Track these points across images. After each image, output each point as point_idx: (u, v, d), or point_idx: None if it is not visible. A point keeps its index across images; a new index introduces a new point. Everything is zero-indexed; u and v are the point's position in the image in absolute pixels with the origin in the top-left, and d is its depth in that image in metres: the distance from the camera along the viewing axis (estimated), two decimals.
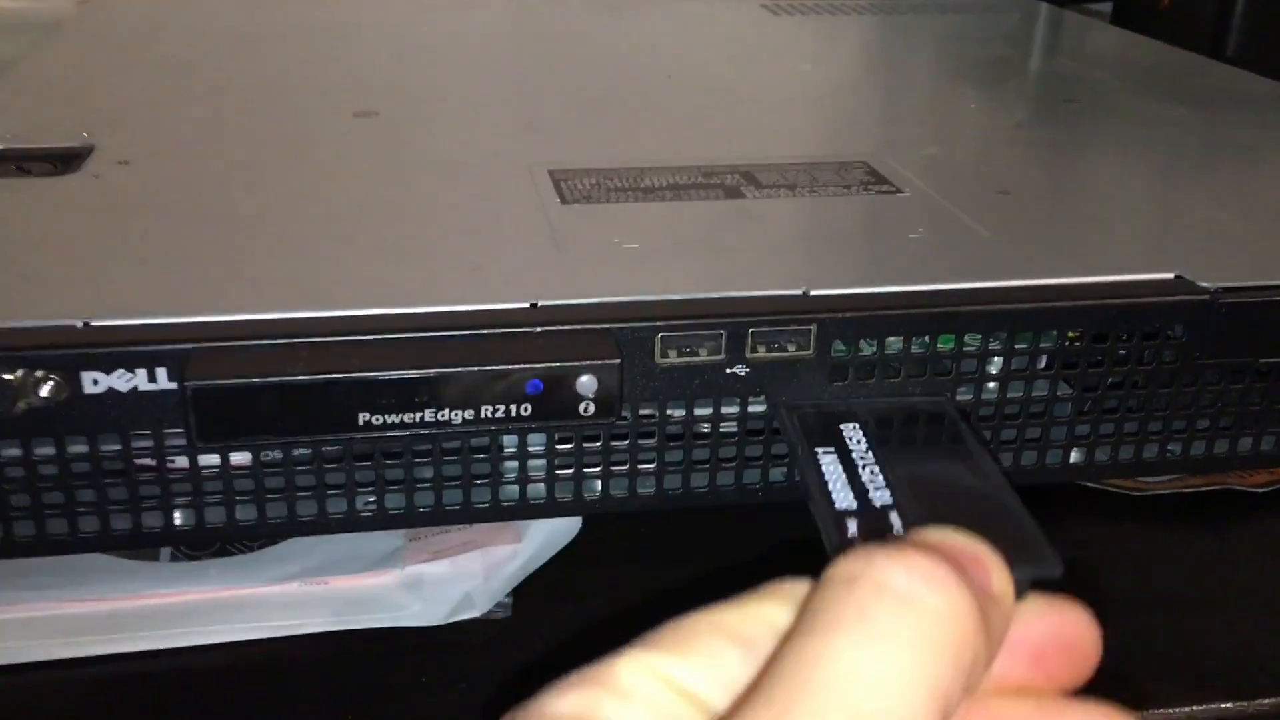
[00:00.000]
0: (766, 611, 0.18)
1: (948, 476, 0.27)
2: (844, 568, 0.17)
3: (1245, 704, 0.33)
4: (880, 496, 0.26)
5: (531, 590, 0.35)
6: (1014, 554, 0.22)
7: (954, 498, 0.26)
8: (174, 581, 0.34)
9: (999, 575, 0.18)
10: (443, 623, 0.34)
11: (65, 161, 0.38)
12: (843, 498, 0.26)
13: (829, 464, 0.27)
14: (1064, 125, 0.47)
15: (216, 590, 0.34)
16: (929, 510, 0.25)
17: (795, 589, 0.18)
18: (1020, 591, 0.22)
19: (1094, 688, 0.32)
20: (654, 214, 0.35)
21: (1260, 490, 0.42)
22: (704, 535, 0.38)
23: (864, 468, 0.27)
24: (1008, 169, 0.41)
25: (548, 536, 0.36)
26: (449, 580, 0.35)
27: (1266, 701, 0.32)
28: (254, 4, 0.64)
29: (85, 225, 0.33)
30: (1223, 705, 0.33)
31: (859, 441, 0.28)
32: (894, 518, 0.25)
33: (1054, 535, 0.40)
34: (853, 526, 0.25)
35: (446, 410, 0.27)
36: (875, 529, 0.24)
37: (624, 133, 0.44)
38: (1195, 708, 0.32)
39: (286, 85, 0.49)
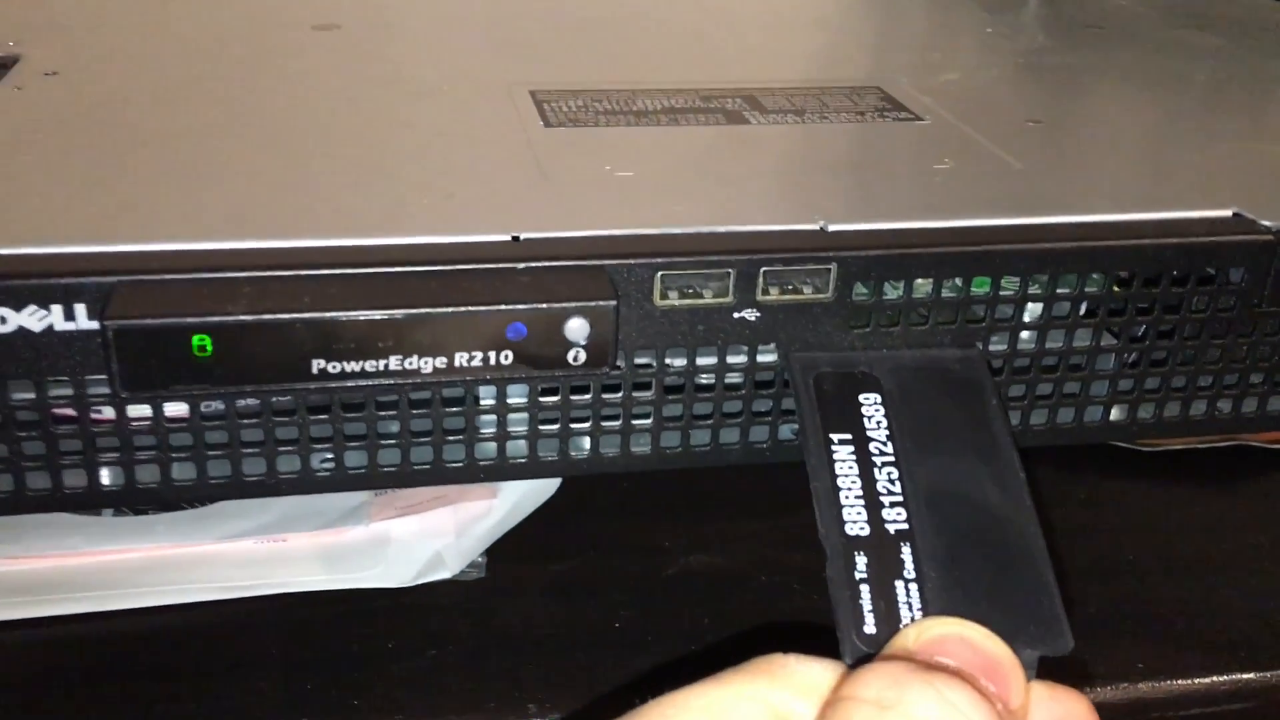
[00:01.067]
0: (753, 693, 0.19)
1: (971, 492, 0.24)
2: (874, 689, 0.18)
3: (1267, 674, 0.31)
4: (895, 518, 0.23)
5: (506, 549, 0.33)
6: (1028, 628, 0.21)
7: (974, 534, 0.23)
8: (117, 538, 0.32)
9: (1017, 689, 0.19)
10: (411, 584, 0.32)
11: None
12: (854, 518, 0.23)
13: (843, 460, 0.24)
14: (1092, 52, 0.44)
15: (164, 547, 0.32)
16: (945, 546, 0.23)
17: (798, 674, 0.19)
18: (1029, 666, 0.21)
19: (1107, 660, 0.30)
20: (649, 140, 0.32)
21: (1276, 447, 0.40)
22: (688, 489, 0.35)
23: (881, 468, 0.24)
24: (1036, 97, 0.38)
25: (524, 492, 0.34)
26: (418, 538, 0.33)
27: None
28: None
29: (2, 143, 0.29)
30: (1243, 675, 0.31)
31: (878, 424, 0.25)
32: (905, 553, 0.22)
33: (1062, 492, 0.38)
34: (861, 563, 0.22)
35: (415, 357, 0.23)
36: (885, 568, 0.22)
37: (613, 52, 0.41)
38: (1216, 678, 0.31)
39: None
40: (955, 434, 0.25)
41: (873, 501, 0.23)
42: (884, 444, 0.24)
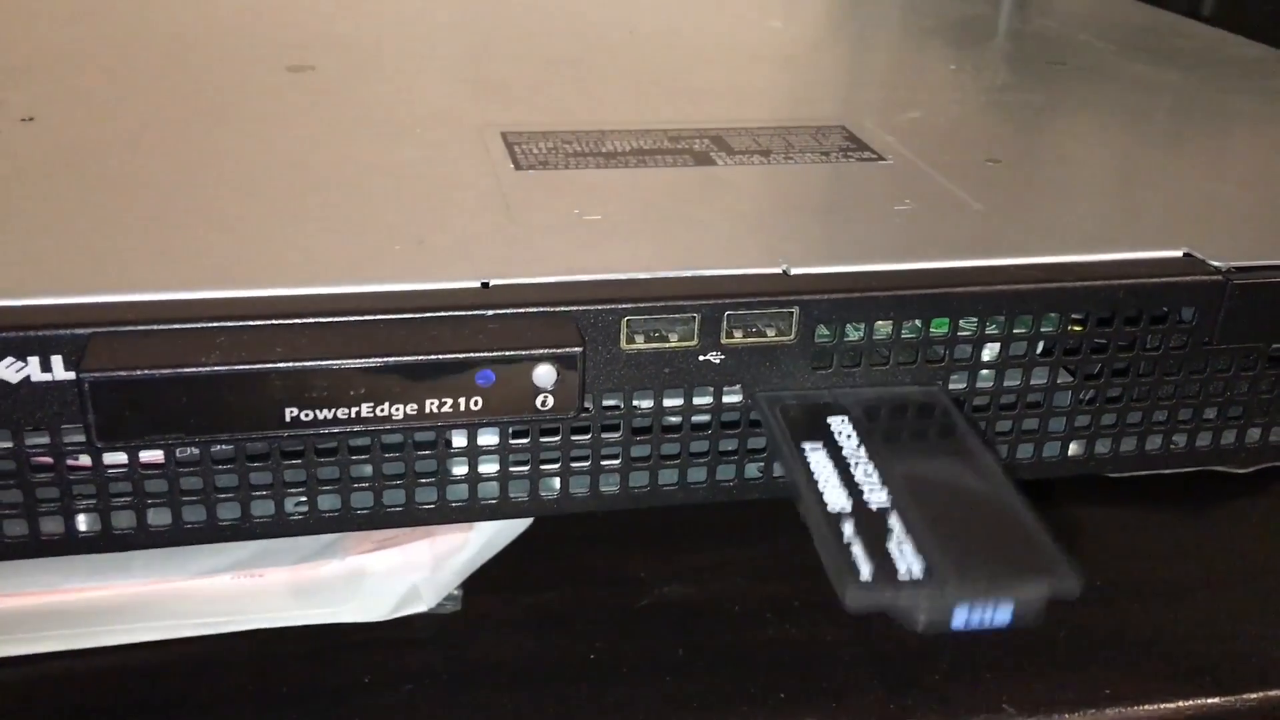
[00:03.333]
0: None
1: (948, 476, 0.24)
2: None
3: (1233, 698, 0.31)
4: (876, 498, 0.23)
5: (483, 582, 0.33)
6: (1029, 569, 0.20)
7: (957, 501, 0.23)
8: (93, 575, 0.31)
9: None
10: (387, 618, 0.32)
11: None
12: (835, 499, 0.23)
13: (818, 461, 0.24)
14: (1053, 89, 0.44)
15: (139, 584, 0.32)
16: (931, 514, 0.23)
17: None
18: (1036, 610, 0.20)
19: (1074, 686, 0.30)
20: (617, 182, 0.32)
21: (1242, 471, 0.40)
22: (663, 519, 0.36)
23: (856, 465, 0.24)
24: (996, 135, 0.39)
25: (500, 525, 0.34)
26: (393, 572, 0.33)
27: (1253, 696, 0.31)
28: None
29: None
30: (1209, 700, 0.31)
31: (849, 436, 0.25)
32: (893, 520, 0.22)
33: None
34: (848, 529, 0.22)
35: (386, 405, 0.24)
36: (874, 532, 0.22)
37: (583, 91, 0.41)
38: (1181, 703, 0.31)
39: (214, 33, 0.45)
40: (925, 439, 0.26)
41: (852, 487, 0.23)
42: (856, 449, 0.25)
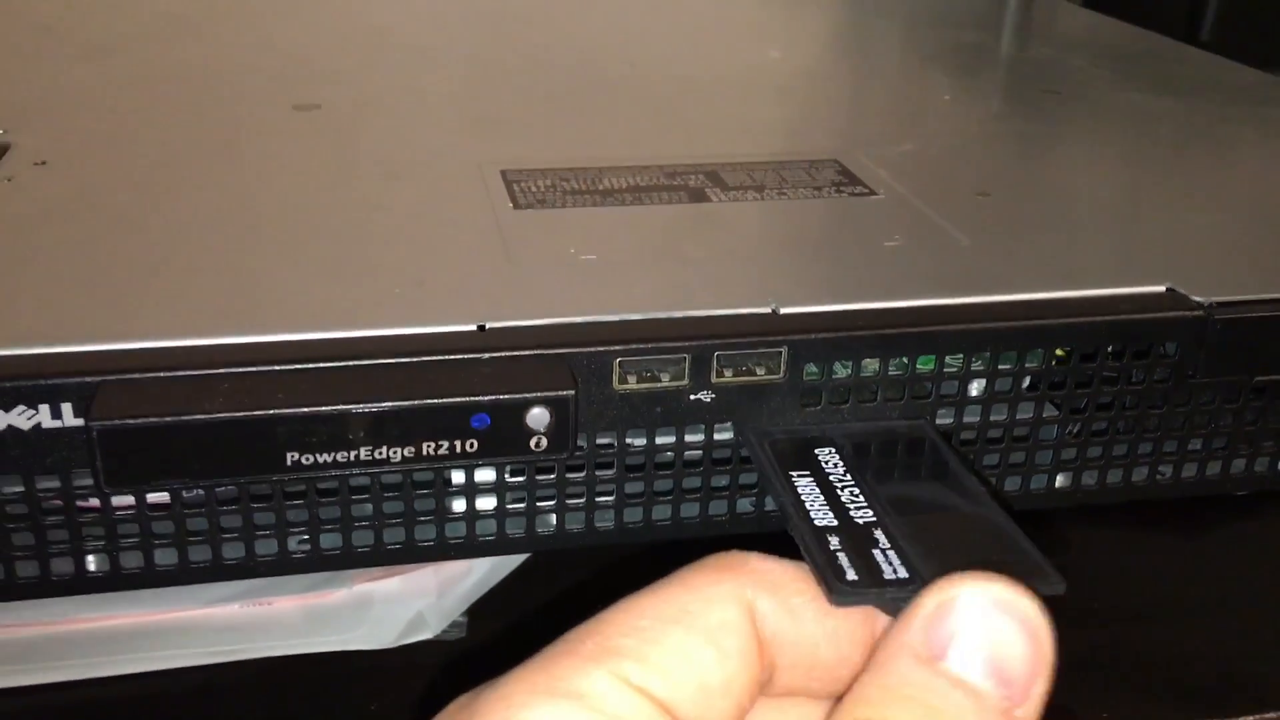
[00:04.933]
0: (724, 594, 0.18)
1: (933, 497, 0.25)
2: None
3: None
4: (863, 515, 0.24)
5: (488, 608, 0.33)
6: (1012, 570, 0.21)
7: (943, 517, 0.24)
8: (103, 605, 0.32)
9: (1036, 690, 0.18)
10: (394, 645, 0.32)
11: None
12: (823, 516, 0.24)
13: (805, 486, 0.25)
14: (1045, 118, 0.45)
15: (150, 614, 0.32)
16: (916, 527, 0.23)
17: (761, 571, 0.18)
18: None
19: (1073, 711, 0.31)
20: (613, 220, 0.33)
21: (1238, 492, 0.41)
22: (669, 547, 0.36)
23: (843, 489, 0.25)
24: (987, 167, 0.39)
25: None
26: (400, 599, 0.33)
27: (1250, 719, 0.31)
28: None
29: None
30: None
31: (836, 465, 0.26)
32: (879, 533, 0.23)
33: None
34: (835, 541, 0.22)
35: (384, 448, 0.25)
36: (860, 542, 0.22)
37: (582, 127, 0.42)
38: None
39: (222, 72, 0.46)
40: (911, 465, 0.26)
41: (839, 507, 0.24)
42: (843, 475, 0.25)
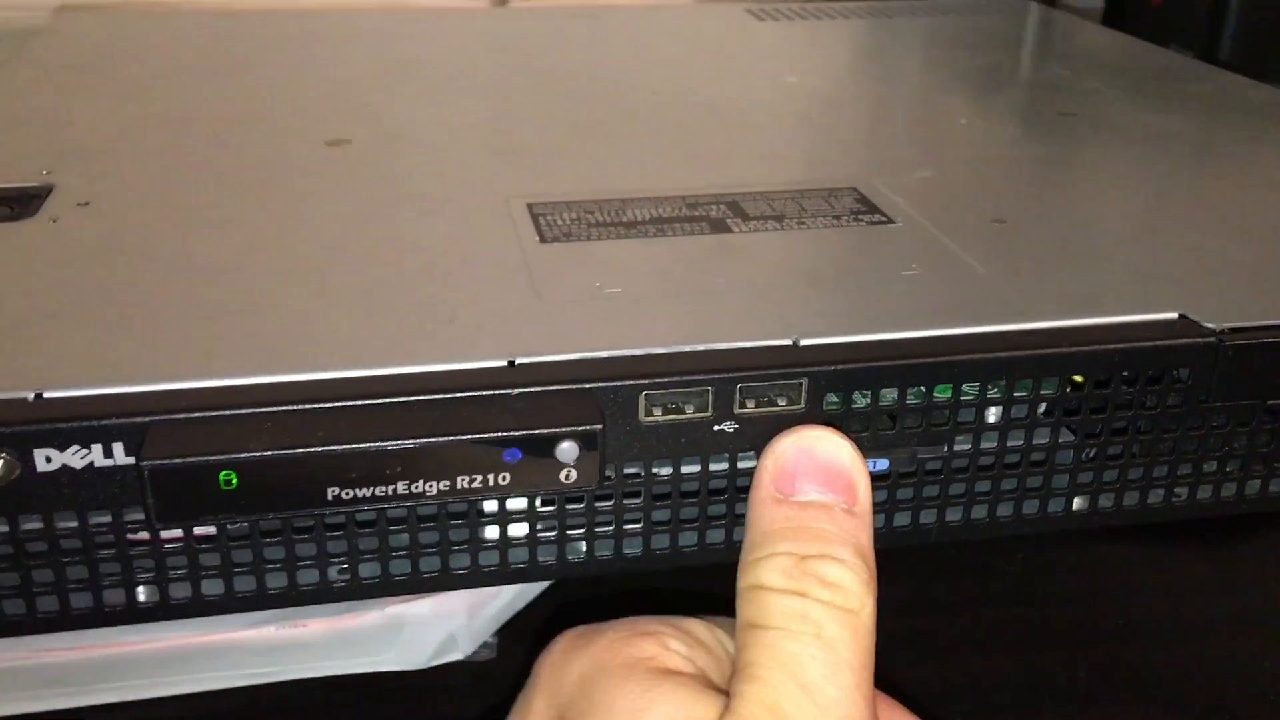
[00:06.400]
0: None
1: None
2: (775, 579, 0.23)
3: None
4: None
5: (517, 630, 0.34)
6: None
7: None
8: (144, 628, 0.33)
9: (861, 493, 0.24)
10: (425, 666, 0.33)
11: (22, 204, 0.37)
12: None
13: None
14: (1061, 142, 0.46)
15: (189, 637, 0.33)
16: None
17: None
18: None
19: None
20: (637, 253, 0.34)
21: (1254, 512, 0.41)
22: (694, 569, 0.37)
23: None
24: (1004, 193, 0.40)
25: None
26: (431, 621, 0.34)
27: None
28: (225, 20, 0.62)
29: (40, 280, 0.32)
30: None
31: None
32: None
33: (1052, 557, 0.39)
34: None
35: (420, 482, 0.26)
36: None
37: (605, 157, 0.43)
38: None
39: (255, 110, 0.47)
40: None
41: None
42: None
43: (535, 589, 0.36)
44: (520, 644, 0.34)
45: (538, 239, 0.35)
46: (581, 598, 0.36)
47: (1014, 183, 0.41)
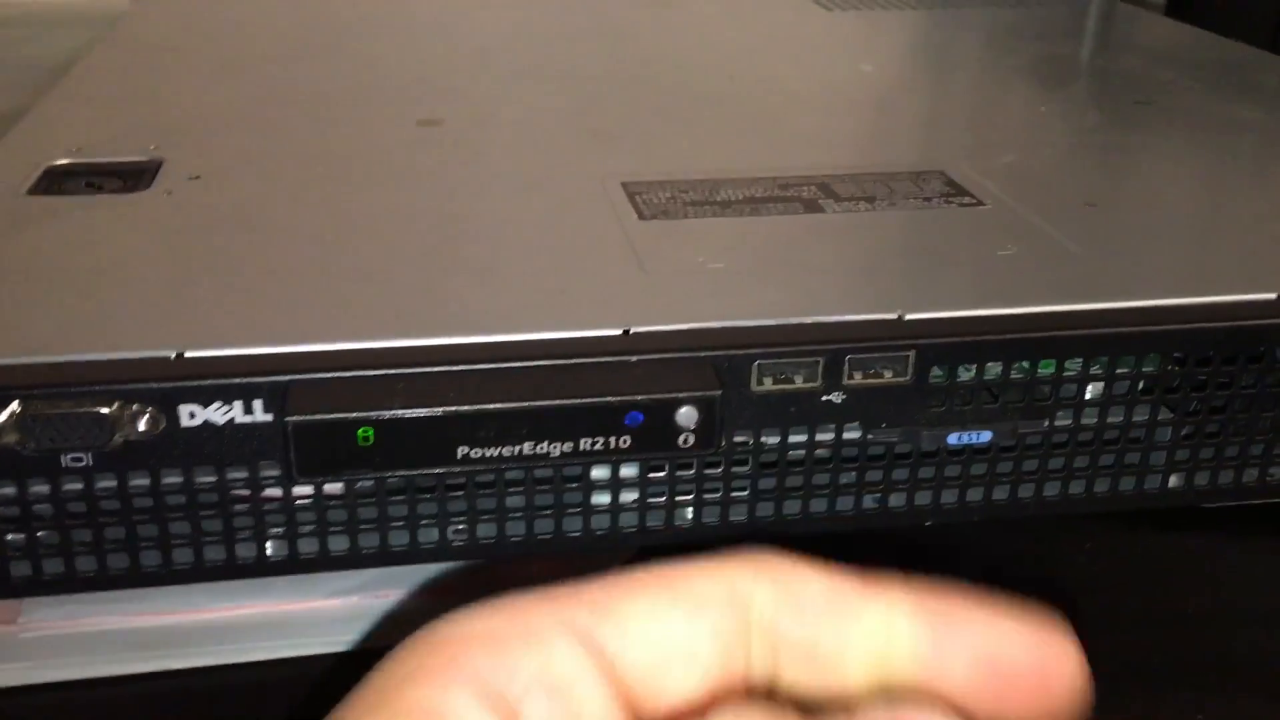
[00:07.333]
0: (717, 572, 0.18)
1: None
2: None
3: None
4: None
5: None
6: None
7: None
8: (236, 595, 0.34)
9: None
10: None
11: (135, 177, 0.38)
12: None
13: None
14: (1141, 129, 0.46)
15: (278, 604, 0.34)
16: None
17: (754, 555, 0.18)
18: None
19: (1163, 710, 0.31)
20: (734, 230, 0.35)
21: None
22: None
23: None
24: (1091, 178, 0.41)
25: None
26: None
27: None
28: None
29: (167, 247, 0.33)
30: None
31: None
32: None
33: (1120, 545, 0.39)
34: None
35: (545, 443, 0.27)
36: None
37: (692, 139, 0.44)
38: None
39: (347, 88, 0.48)
40: None
41: None
42: None
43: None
44: None
45: (636, 216, 0.36)
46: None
47: (1100, 168, 0.42)
